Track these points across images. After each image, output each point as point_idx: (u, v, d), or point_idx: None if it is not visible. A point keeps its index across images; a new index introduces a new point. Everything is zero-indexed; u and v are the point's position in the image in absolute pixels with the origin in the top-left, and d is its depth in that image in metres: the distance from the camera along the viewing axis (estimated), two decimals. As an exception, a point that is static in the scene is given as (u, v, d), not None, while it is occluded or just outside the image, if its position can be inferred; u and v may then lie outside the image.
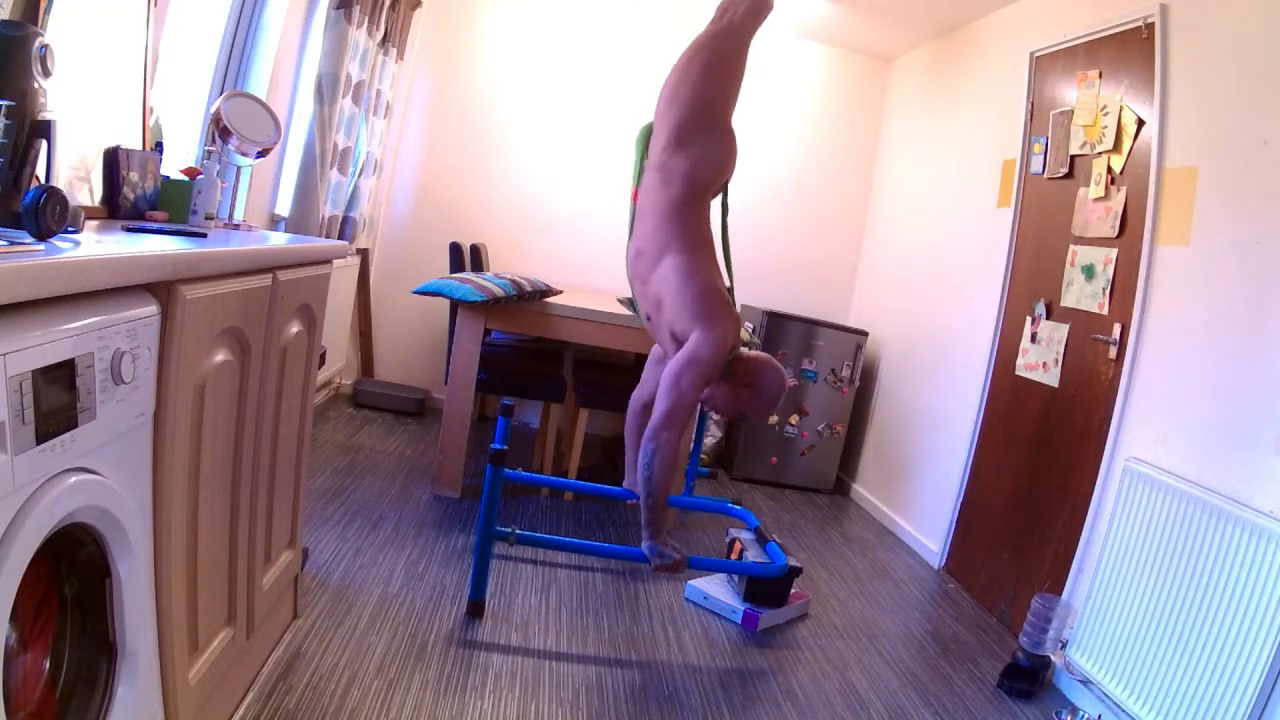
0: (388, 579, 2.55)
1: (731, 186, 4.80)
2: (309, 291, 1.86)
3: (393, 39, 4.05)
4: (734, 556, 2.98)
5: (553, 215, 4.83)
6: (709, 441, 4.65)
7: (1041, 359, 3.14)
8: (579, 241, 4.84)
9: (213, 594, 1.51)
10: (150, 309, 1.15)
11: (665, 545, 2.45)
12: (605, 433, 4.89)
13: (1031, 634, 2.58)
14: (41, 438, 0.92)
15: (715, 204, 2.72)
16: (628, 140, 4.68)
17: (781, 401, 2.54)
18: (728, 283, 2.64)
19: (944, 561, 3.59)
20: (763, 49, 4.86)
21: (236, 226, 2.16)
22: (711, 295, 2.42)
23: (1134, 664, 2.32)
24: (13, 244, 0.96)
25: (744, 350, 2.49)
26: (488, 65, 4.70)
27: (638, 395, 2.83)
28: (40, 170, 1.24)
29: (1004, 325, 3.44)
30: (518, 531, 2.50)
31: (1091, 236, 2.95)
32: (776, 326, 4.48)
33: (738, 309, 4.83)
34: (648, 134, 2.68)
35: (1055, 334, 3.07)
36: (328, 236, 3.66)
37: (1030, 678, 2.56)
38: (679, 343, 2.44)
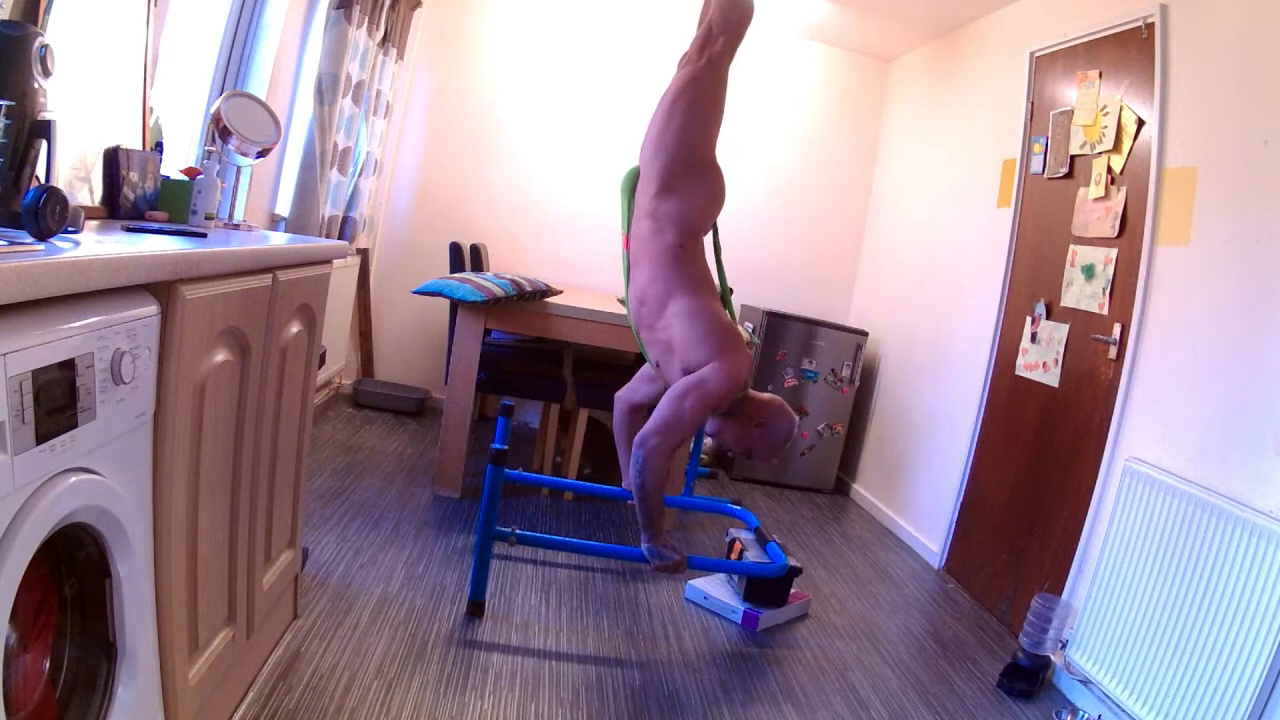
0: (388, 579, 2.55)
1: (731, 187, 4.83)
2: (309, 291, 1.86)
3: (393, 39, 4.05)
4: (734, 556, 2.98)
5: (553, 215, 4.83)
6: (709, 442, 4.65)
7: (1041, 359, 3.14)
8: (579, 241, 4.84)
9: (213, 594, 1.51)
10: (150, 309, 1.15)
11: (664, 546, 2.45)
12: (605, 433, 4.89)
13: (1031, 634, 2.58)
14: (41, 438, 0.92)
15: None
16: (628, 140, 4.69)
17: (789, 445, 2.54)
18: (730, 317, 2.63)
19: (944, 561, 3.60)
20: (763, 49, 4.87)
21: (236, 226, 2.16)
22: (722, 330, 2.42)
23: (1134, 664, 2.32)
24: (13, 244, 0.96)
25: (754, 392, 2.49)
26: (488, 65, 4.70)
27: (624, 394, 2.83)
28: (40, 170, 1.24)
29: (1004, 325, 3.44)
30: (518, 531, 2.50)
31: (1091, 236, 2.95)
32: (776, 326, 4.48)
33: (738, 313, 4.86)
34: (633, 179, 2.65)
35: (1055, 334, 3.07)
36: (328, 236, 3.66)
37: (1030, 678, 2.56)
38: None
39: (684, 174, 2.51)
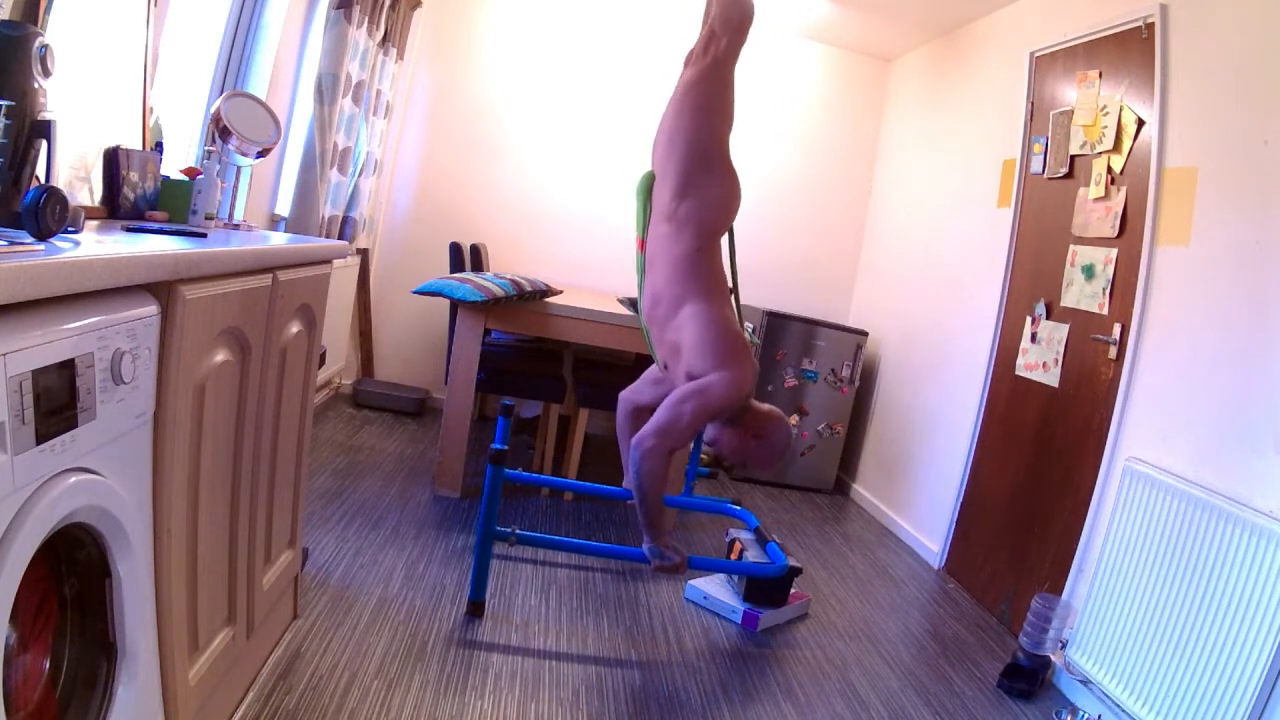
0: (388, 579, 2.55)
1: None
2: (309, 291, 1.86)
3: (393, 39, 4.05)
4: (734, 556, 2.98)
5: (553, 215, 4.83)
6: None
7: (1041, 359, 3.14)
8: (579, 241, 4.84)
9: (213, 594, 1.51)
10: (150, 309, 1.15)
11: (666, 546, 2.45)
12: (605, 433, 4.89)
13: (1031, 634, 2.58)
14: (41, 438, 0.92)
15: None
16: (629, 140, 4.70)
17: (785, 456, 2.53)
18: (739, 321, 2.62)
19: (944, 561, 3.59)
20: (763, 49, 4.87)
21: (236, 226, 2.16)
22: (731, 339, 2.41)
23: (1134, 664, 2.32)
24: (13, 244, 0.96)
25: (756, 402, 2.49)
26: (488, 65, 4.70)
27: (628, 395, 2.82)
28: (40, 170, 1.24)
29: (1004, 325, 3.44)
30: (518, 531, 2.50)
31: (1091, 236, 2.95)
32: (776, 326, 4.48)
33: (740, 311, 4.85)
34: (648, 182, 2.65)
35: (1055, 334, 3.07)
36: (328, 236, 3.66)
37: (1030, 678, 2.56)
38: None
39: (699, 174, 2.51)
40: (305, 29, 3.37)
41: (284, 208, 3.51)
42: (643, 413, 2.75)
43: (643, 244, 2.64)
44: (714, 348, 2.37)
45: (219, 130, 2.02)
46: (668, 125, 2.58)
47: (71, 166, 1.67)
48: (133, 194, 1.84)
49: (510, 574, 2.77)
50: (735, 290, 2.73)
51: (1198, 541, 2.20)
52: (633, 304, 3.60)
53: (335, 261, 2.09)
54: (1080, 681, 2.53)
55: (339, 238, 3.88)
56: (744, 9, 2.57)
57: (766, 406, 2.50)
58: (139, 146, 1.96)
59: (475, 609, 2.45)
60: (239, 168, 2.22)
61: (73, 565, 1.10)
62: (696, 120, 2.52)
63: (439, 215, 4.74)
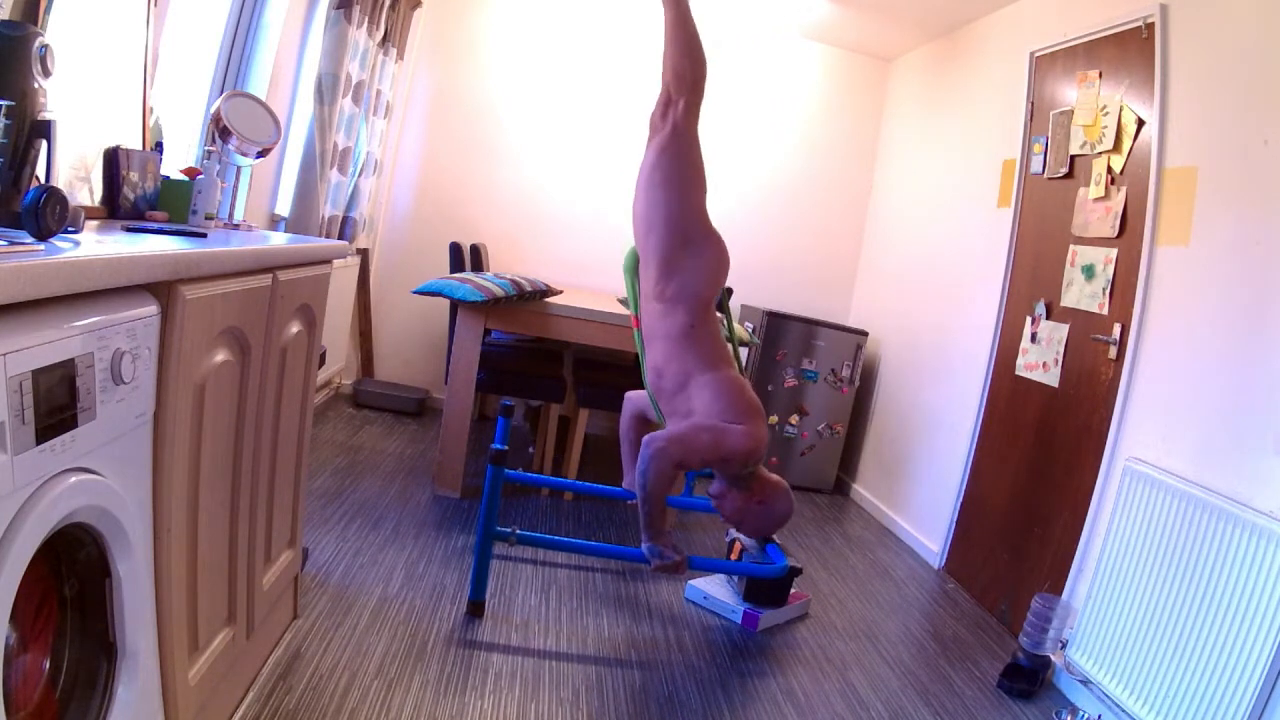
0: (388, 579, 2.55)
1: (732, 187, 4.85)
2: (309, 291, 1.86)
3: (393, 39, 4.05)
4: (734, 557, 2.98)
5: (553, 215, 4.83)
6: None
7: (1041, 359, 3.14)
8: (579, 241, 4.84)
9: (213, 594, 1.51)
10: (150, 309, 1.15)
11: (665, 546, 2.45)
12: (605, 433, 4.89)
13: (1031, 634, 2.58)
14: (41, 438, 0.92)
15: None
16: (628, 140, 4.70)
17: (782, 526, 2.53)
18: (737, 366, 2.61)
19: (944, 561, 3.59)
20: (763, 49, 4.87)
21: (236, 226, 2.16)
22: (746, 401, 2.41)
23: (1134, 664, 2.32)
24: (13, 244, 0.96)
25: (765, 470, 2.49)
26: (488, 65, 4.70)
27: (636, 398, 2.82)
28: (40, 170, 1.24)
29: (1004, 325, 3.44)
30: (518, 531, 2.50)
31: (1091, 236, 2.95)
32: (776, 326, 4.48)
33: (737, 314, 4.85)
34: (634, 260, 2.63)
35: (1055, 334, 3.07)
36: (328, 236, 3.66)
37: (1030, 678, 2.56)
38: None
39: (681, 253, 2.46)
40: (305, 29, 3.37)
41: (284, 208, 3.51)
42: (647, 424, 2.75)
43: (637, 321, 2.63)
44: (731, 408, 2.37)
45: (219, 130, 2.02)
46: (641, 205, 2.53)
47: (71, 166, 1.67)
48: (133, 194, 1.84)
49: (510, 574, 2.77)
50: (732, 338, 2.72)
51: (1198, 541, 2.20)
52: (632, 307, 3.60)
53: (335, 261, 2.09)
54: (1080, 681, 2.53)
55: (339, 238, 3.88)
56: (696, 64, 2.49)
57: (775, 476, 2.50)
58: (139, 146, 1.96)
59: (475, 609, 2.45)
60: (239, 168, 2.22)
61: (73, 565, 1.10)
62: (668, 199, 2.47)
63: (439, 215, 4.74)
